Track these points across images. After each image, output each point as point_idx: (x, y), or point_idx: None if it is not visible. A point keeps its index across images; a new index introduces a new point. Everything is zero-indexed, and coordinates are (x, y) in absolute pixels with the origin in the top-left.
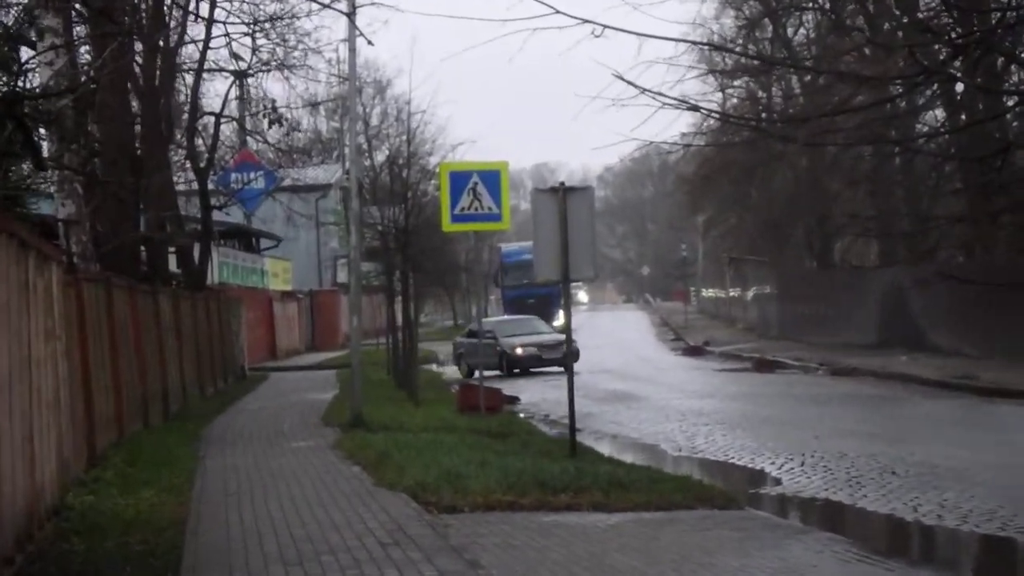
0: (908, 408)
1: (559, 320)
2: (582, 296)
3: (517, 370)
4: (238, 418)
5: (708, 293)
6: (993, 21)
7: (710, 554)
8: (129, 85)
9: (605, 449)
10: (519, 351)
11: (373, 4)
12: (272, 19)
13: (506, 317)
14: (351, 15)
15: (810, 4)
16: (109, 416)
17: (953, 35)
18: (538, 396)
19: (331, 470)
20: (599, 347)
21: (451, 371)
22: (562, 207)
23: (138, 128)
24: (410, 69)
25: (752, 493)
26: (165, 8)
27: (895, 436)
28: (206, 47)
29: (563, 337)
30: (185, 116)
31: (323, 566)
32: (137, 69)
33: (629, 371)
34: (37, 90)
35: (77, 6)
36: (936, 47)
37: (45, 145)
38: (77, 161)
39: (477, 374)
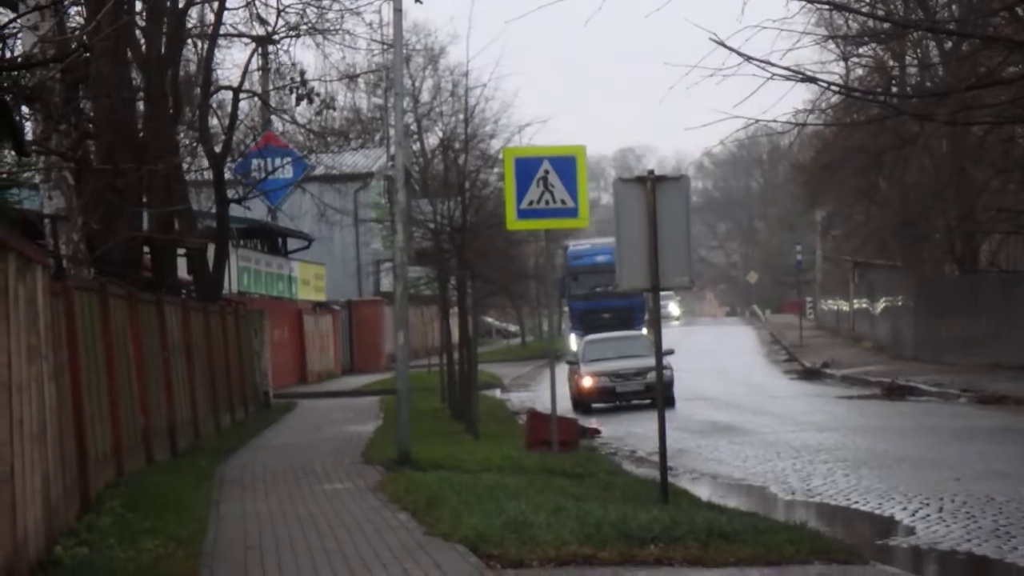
0: None
1: None
2: (672, 309)
3: (596, 405)
4: (260, 455)
5: (828, 305)
6: None
7: None
8: (129, 53)
9: (703, 492)
10: (587, 381)
11: None
12: None
13: (610, 335)
14: None
15: None
16: (105, 452)
17: None
18: (623, 429)
19: (373, 517)
20: (694, 371)
21: (517, 398)
22: (651, 201)
23: (140, 105)
24: (468, 34)
25: (880, 545)
26: None
27: None
28: (222, 7)
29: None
30: (197, 91)
31: None
32: (139, 34)
33: (732, 399)
34: (19, 59)
35: None
36: None
37: (28, 126)
38: (67, 145)
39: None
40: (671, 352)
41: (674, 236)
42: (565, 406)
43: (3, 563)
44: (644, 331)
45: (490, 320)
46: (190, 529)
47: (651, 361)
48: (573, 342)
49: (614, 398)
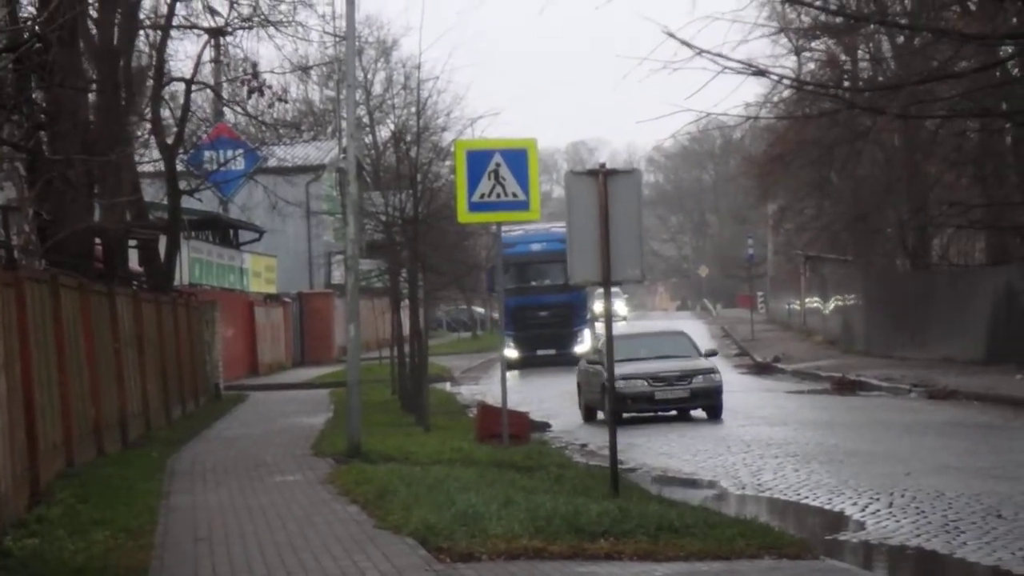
0: (1021, 439)
1: (584, 342)
2: (619, 308)
3: (628, 415)
4: (211, 446)
5: (780, 300)
6: None
7: None
8: (81, 43)
9: (653, 486)
10: (621, 383)
11: None
12: None
13: (644, 331)
14: None
15: None
16: (56, 442)
17: None
18: (574, 422)
19: (323, 509)
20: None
21: (468, 391)
22: (603, 193)
23: (92, 96)
24: (420, 25)
25: (829, 540)
26: None
27: (1004, 472)
28: None
29: (703, 365)
30: (150, 82)
31: None
32: (91, 24)
33: None
34: None
35: None
36: None
37: None
38: (19, 135)
39: (600, 415)
40: (714, 353)
41: (626, 229)
42: (567, 417)
43: None
44: (588, 331)
45: (480, 310)
46: (141, 520)
47: (698, 363)
48: (508, 345)
49: (652, 406)
